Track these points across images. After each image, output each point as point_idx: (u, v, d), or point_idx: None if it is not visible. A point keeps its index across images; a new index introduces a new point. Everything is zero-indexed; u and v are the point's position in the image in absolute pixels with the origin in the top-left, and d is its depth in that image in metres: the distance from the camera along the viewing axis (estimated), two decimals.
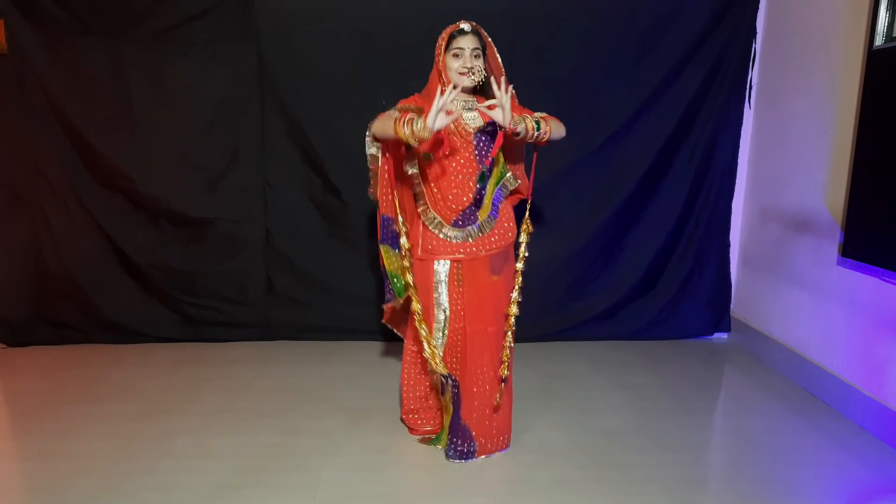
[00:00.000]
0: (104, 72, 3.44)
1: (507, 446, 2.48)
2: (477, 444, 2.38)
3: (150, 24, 3.42)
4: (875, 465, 2.43)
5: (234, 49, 3.48)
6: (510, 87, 2.06)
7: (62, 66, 3.41)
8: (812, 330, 3.14)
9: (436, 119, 2.01)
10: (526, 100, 3.46)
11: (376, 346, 3.67)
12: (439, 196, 2.28)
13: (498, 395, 2.39)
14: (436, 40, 2.31)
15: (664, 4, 3.51)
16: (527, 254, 2.41)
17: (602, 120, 3.61)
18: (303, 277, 3.76)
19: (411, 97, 2.31)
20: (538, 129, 2.16)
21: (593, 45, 3.54)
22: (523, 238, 2.40)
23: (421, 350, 2.39)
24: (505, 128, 2.09)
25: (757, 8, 3.59)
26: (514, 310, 2.39)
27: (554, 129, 2.22)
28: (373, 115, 3.47)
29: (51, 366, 3.37)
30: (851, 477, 2.36)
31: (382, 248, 2.37)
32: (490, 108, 2.09)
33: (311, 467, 2.34)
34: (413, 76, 3.46)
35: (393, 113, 2.18)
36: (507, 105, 2.05)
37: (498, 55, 2.31)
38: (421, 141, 2.06)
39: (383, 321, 2.64)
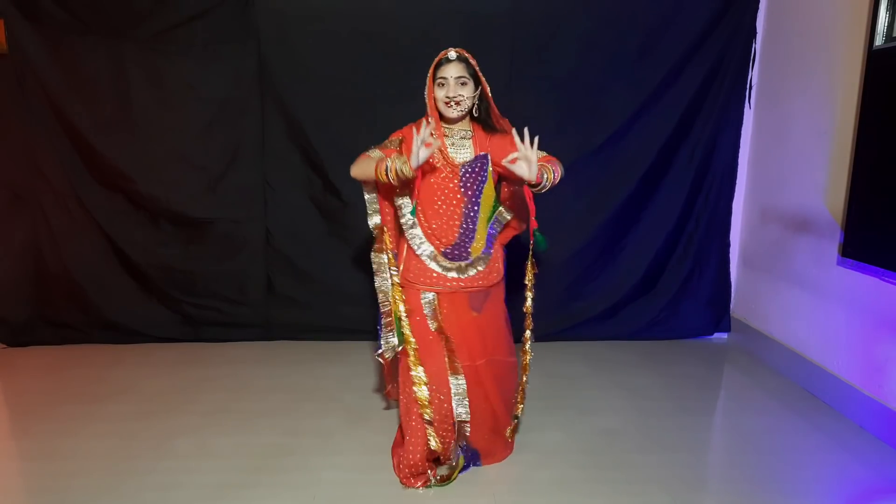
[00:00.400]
0: (104, 72, 3.45)
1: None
2: (482, 461, 2.39)
3: (150, 24, 3.42)
4: (875, 465, 2.43)
5: (234, 49, 3.48)
6: (535, 138, 1.97)
7: (62, 66, 3.41)
8: (812, 330, 3.14)
9: (418, 157, 1.96)
10: (526, 100, 3.50)
11: (376, 346, 3.66)
12: (427, 227, 2.20)
13: (508, 431, 2.41)
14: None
15: (664, 4, 3.51)
16: (532, 294, 2.34)
17: (602, 120, 3.62)
18: (303, 277, 3.76)
19: (405, 127, 2.23)
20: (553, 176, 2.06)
21: (593, 46, 3.54)
22: (529, 278, 2.33)
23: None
24: (532, 182, 1.98)
25: (757, 8, 3.59)
26: (527, 352, 2.35)
27: (559, 170, 2.11)
28: (373, 115, 3.53)
29: (51, 366, 3.37)
30: (851, 477, 2.36)
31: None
32: (512, 161, 1.95)
33: (311, 467, 2.34)
34: (413, 76, 3.45)
35: (374, 153, 2.14)
36: (534, 158, 1.94)
37: (487, 85, 2.17)
38: (405, 180, 2.04)
39: (387, 397, 2.62)
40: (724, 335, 3.97)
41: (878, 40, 2.65)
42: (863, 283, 2.77)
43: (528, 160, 1.94)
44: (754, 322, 3.71)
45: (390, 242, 2.28)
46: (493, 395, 2.31)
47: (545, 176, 2.01)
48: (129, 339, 3.68)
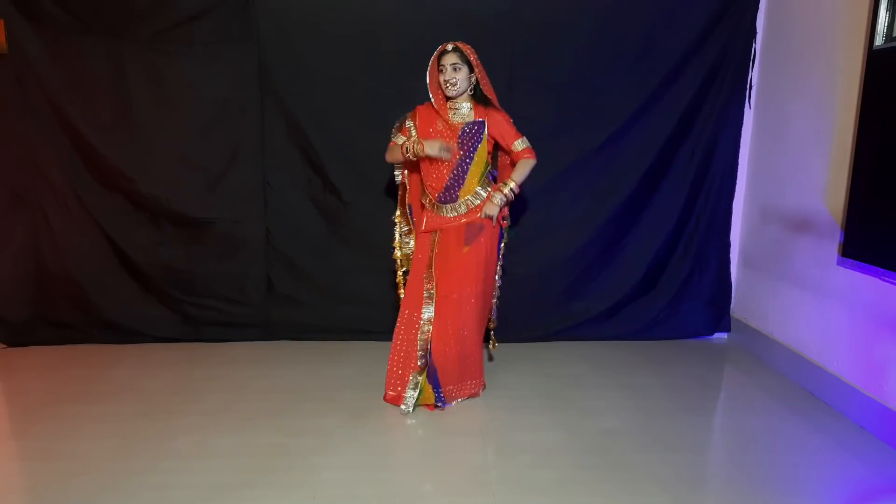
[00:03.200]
0: (104, 72, 3.45)
1: (477, 392, 2.95)
2: (444, 391, 2.81)
3: (151, 23, 3.42)
4: (875, 465, 2.43)
5: (234, 49, 3.48)
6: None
7: (62, 66, 3.41)
8: (812, 330, 3.14)
9: (433, 150, 2.72)
10: (526, 101, 3.50)
11: (376, 346, 3.66)
12: (425, 179, 2.88)
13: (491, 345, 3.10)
14: (436, 40, 2.60)
15: (664, 5, 3.51)
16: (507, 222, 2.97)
17: (602, 120, 3.62)
18: (303, 277, 3.76)
19: (415, 108, 2.90)
20: (513, 192, 2.81)
21: (593, 46, 3.54)
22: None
23: (411, 315, 2.87)
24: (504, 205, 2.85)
25: (757, 8, 3.60)
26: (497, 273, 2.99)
27: (523, 173, 2.82)
28: (373, 115, 3.56)
29: (51, 366, 3.37)
30: (851, 477, 2.36)
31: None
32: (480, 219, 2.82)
33: (311, 467, 2.34)
34: (413, 76, 3.46)
35: (397, 138, 2.86)
36: (488, 211, 2.80)
37: (482, 69, 2.76)
38: (416, 155, 2.76)
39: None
40: (724, 335, 3.97)
41: (878, 40, 2.65)
42: (863, 283, 2.77)
43: (491, 213, 2.79)
44: (754, 322, 3.71)
45: (409, 197, 3.00)
46: (462, 324, 2.80)
47: (502, 201, 2.80)
48: (129, 339, 3.68)
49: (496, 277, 2.98)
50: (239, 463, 2.36)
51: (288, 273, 3.76)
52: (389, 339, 3.68)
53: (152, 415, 2.77)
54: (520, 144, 2.81)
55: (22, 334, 3.64)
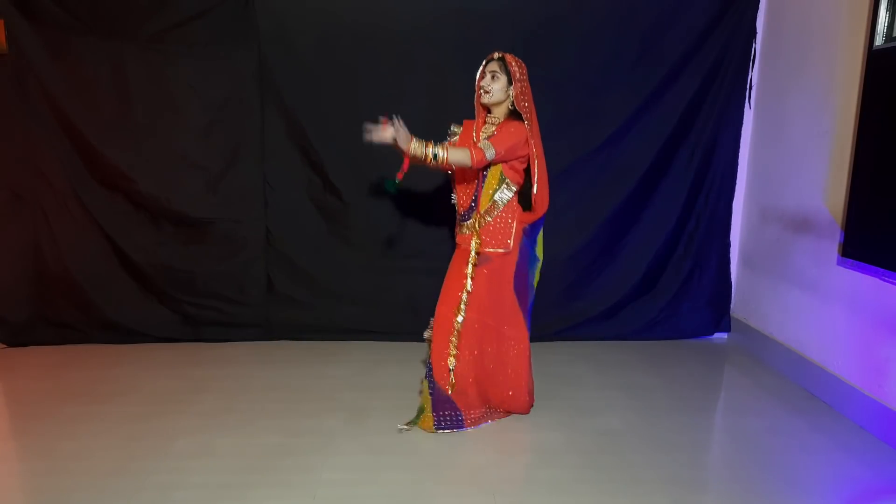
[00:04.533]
0: (104, 72, 3.45)
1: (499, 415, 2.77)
2: (463, 414, 2.63)
3: (151, 24, 3.42)
4: (875, 465, 2.43)
5: (234, 49, 3.48)
6: (392, 123, 2.43)
7: (62, 66, 3.41)
8: (812, 330, 3.14)
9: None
10: None
11: (376, 346, 3.67)
12: (456, 195, 2.74)
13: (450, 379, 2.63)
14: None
15: (664, 4, 3.51)
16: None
17: (602, 120, 3.62)
18: (303, 277, 3.76)
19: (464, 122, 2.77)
20: (435, 158, 2.42)
21: (593, 46, 3.54)
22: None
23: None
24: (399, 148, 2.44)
25: (757, 8, 3.60)
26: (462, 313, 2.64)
27: (453, 154, 2.43)
28: (373, 115, 3.50)
29: (51, 366, 3.37)
30: (851, 477, 2.36)
31: None
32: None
33: (311, 467, 2.34)
34: (412, 76, 3.47)
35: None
36: (385, 136, 2.44)
37: (527, 86, 2.57)
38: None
39: None
40: (724, 335, 3.97)
41: (878, 40, 2.65)
42: (863, 283, 2.77)
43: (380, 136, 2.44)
44: (754, 322, 3.71)
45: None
46: (475, 348, 2.64)
47: (411, 147, 2.41)
48: (129, 339, 3.68)
49: (517, 313, 2.72)
50: (239, 463, 2.36)
51: (288, 273, 3.76)
52: (389, 339, 3.73)
53: (152, 415, 2.77)
54: (482, 143, 2.49)
55: (22, 334, 3.64)
